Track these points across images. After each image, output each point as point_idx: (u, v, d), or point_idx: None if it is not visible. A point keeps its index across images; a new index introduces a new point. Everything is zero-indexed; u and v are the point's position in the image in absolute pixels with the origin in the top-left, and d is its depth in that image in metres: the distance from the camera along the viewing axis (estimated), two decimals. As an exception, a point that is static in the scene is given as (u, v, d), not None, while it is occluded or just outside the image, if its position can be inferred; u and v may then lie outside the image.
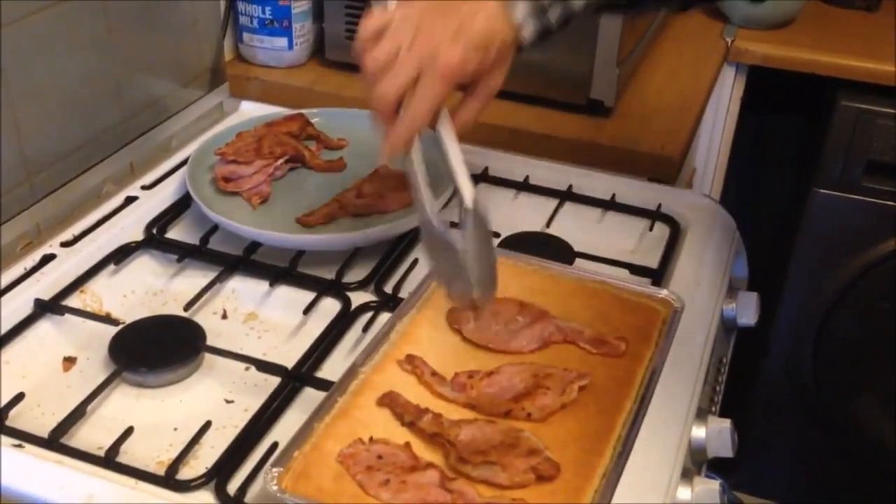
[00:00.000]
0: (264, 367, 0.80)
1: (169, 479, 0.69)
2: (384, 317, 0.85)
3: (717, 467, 0.88)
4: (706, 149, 1.56)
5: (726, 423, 0.78)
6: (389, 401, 0.72)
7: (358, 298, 0.89)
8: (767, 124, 1.68)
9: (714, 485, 0.73)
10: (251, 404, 0.78)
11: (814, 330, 1.60)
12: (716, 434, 0.78)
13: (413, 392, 0.74)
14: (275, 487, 0.64)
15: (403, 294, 0.88)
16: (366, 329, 0.85)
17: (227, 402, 0.79)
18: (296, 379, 0.79)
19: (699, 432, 0.78)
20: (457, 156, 0.76)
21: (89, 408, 0.76)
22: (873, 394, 1.62)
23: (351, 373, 0.75)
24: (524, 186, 1.07)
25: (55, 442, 0.72)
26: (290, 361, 0.81)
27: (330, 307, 0.88)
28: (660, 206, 1.03)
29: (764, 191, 1.75)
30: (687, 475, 0.74)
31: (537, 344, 0.77)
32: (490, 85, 0.75)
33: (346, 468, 0.66)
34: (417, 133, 0.73)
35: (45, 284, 0.88)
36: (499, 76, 0.75)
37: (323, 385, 0.77)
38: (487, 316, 0.79)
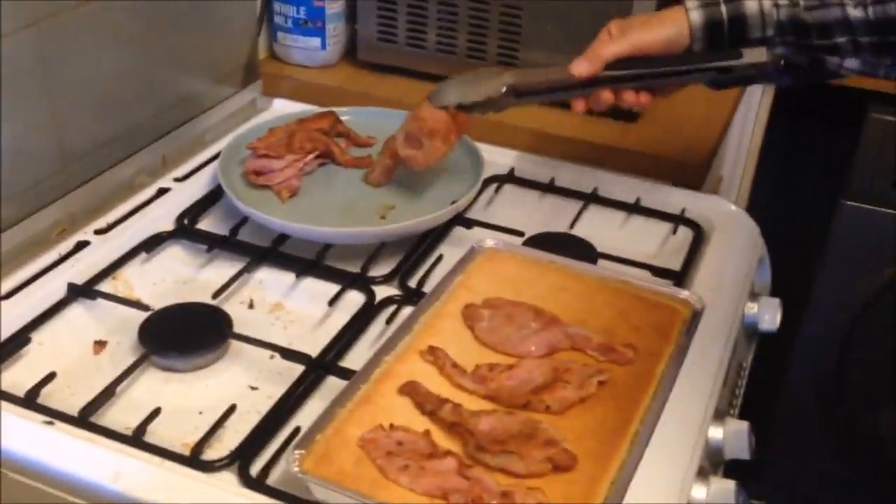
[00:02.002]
0: (289, 354, 0.82)
1: (194, 459, 0.71)
2: (407, 310, 0.87)
3: (739, 474, 0.89)
4: (734, 157, 1.56)
5: (744, 426, 0.79)
6: (411, 390, 0.73)
7: (382, 292, 0.90)
8: (797, 135, 1.68)
9: (730, 485, 0.74)
10: (275, 391, 0.79)
11: (839, 341, 1.59)
12: (733, 435, 0.79)
13: (434, 382, 0.75)
14: (296, 468, 0.65)
15: (427, 289, 0.90)
16: (389, 321, 0.86)
17: (252, 388, 0.81)
18: (319, 367, 0.80)
19: (716, 433, 0.78)
20: None
21: (118, 389, 0.78)
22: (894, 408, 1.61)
23: (374, 362, 0.76)
24: (550, 188, 1.08)
25: (84, 420, 0.74)
26: (314, 351, 0.82)
27: (355, 300, 0.90)
28: (684, 210, 1.04)
29: (791, 201, 1.75)
30: (703, 474, 0.74)
31: (545, 350, 0.78)
32: None
33: (367, 453, 0.67)
34: None
35: (79, 270, 0.90)
36: None
37: (346, 374, 0.78)
38: (501, 318, 0.80)
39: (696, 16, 0.87)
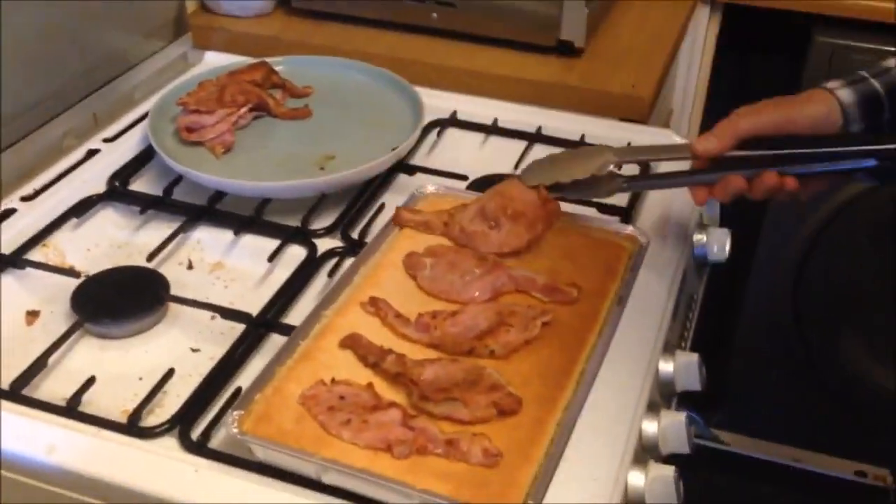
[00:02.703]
0: (229, 314, 0.80)
1: (132, 427, 0.69)
2: (350, 262, 0.85)
3: (700, 406, 0.88)
4: (682, 90, 1.55)
5: (693, 357, 0.78)
6: (352, 342, 0.72)
7: (324, 245, 0.88)
8: (746, 64, 1.66)
9: (680, 416, 0.73)
10: (217, 352, 0.77)
11: (793, 268, 1.60)
12: (683, 368, 0.78)
13: (377, 334, 0.73)
14: (235, 430, 0.64)
15: (370, 239, 0.88)
16: (331, 275, 0.84)
17: (193, 350, 0.79)
18: (261, 325, 0.78)
19: (667, 366, 0.78)
20: None
21: (53, 360, 0.76)
22: (854, 331, 1.63)
23: (314, 316, 0.74)
24: (493, 129, 1.06)
25: (16, 393, 0.71)
26: (256, 309, 0.80)
27: (296, 254, 0.87)
28: (629, 145, 1.02)
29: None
30: (653, 408, 0.74)
31: (489, 295, 0.77)
32: None
33: (308, 409, 0.66)
34: None
35: (6, 239, 0.87)
36: None
37: (288, 331, 0.76)
38: (444, 265, 0.79)
39: (846, 94, 0.74)
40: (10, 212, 0.90)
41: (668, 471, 0.67)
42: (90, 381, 0.73)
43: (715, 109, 1.60)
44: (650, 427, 0.72)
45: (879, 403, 1.58)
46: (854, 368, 1.64)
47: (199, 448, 0.67)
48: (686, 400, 0.83)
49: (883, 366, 1.61)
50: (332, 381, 0.68)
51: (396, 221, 0.84)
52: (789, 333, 1.67)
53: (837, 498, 1.69)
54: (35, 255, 0.87)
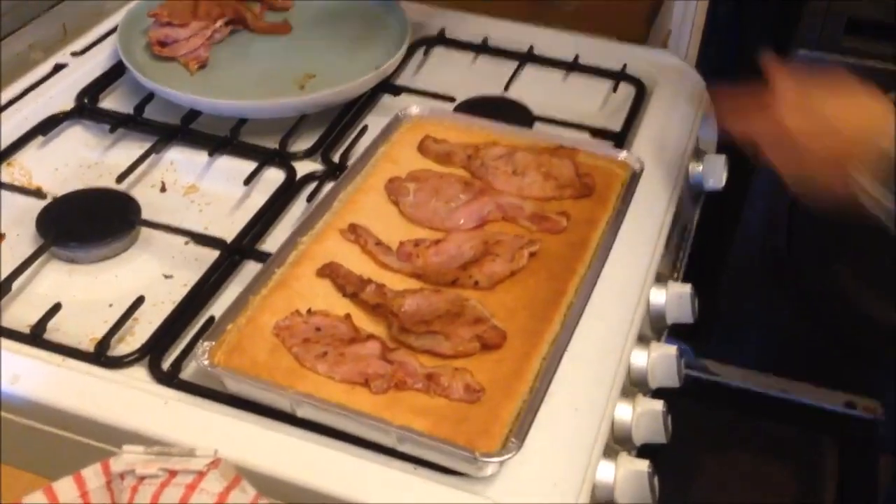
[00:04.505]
0: (203, 240, 0.76)
1: (100, 356, 0.66)
2: (330, 187, 0.81)
3: (689, 336, 0.86)
4: (682, 10, 1.48)
5: (686, 288, 0.76)
6: (330, 271, 0.68)
7: (303, 168, 0.84)
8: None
9: (671, 349, 0.71)
10: (191, 279, 0.74)
11: (788, 198, 1.56)
12: (675, 299, 0.76)
13: (356, 262, 0.70)
14: (206, 362, 0.61)
15: (351, 163, 0.84)
16: (310, 199, 0.81)
17: (166, 277, 0.76)
18: (236, 252, 0.75)
19: (658, 297, 0.75)
20: None
21: (17, 285, 0.72)
22: (848, 260, 1.60)
23: (290, 243, 0.71)
24: (482, 48, 1.01)
25: (-22, 320, 0.68)
26: (231, 235, 0.77)
27: (274, 178, 0.84)
28: (625, 66, 0.98)
29: (744, 53, 1.68)
30: (643, 340, 0.71)
31: (475, 222, 0.73)
32: None
33: (282, 341, 0.63)
34: None
35: (-32, 158, 0.83)
36: None
37: (264, 258, 0.73)
38: (428, 191, 0.75)
39: None
40: (-27, 129, 0.86)
41: (657, 405, 0.65)
42: (56, 307, 0.69)
43: (715, 30, 1.54)
44: (640, 360, 0.70)
45: (871, 334, 1.57)
46: (847, 298, 1.63)
47: (170, 379, 0.64)
48: (676, 330, 0.80)
49: (876, 296, 1.59)
50: (309, 311, 0.65)
51: (420, 149, 0.80)
52: (782, 263, 1.65)
53: (827, 428, 1.69)
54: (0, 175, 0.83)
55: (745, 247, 1.66)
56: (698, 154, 0.91)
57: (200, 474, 0.47)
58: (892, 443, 1.61)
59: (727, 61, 1.63)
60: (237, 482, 0.47)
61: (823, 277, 1.63)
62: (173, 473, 0.47)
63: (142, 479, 0.48)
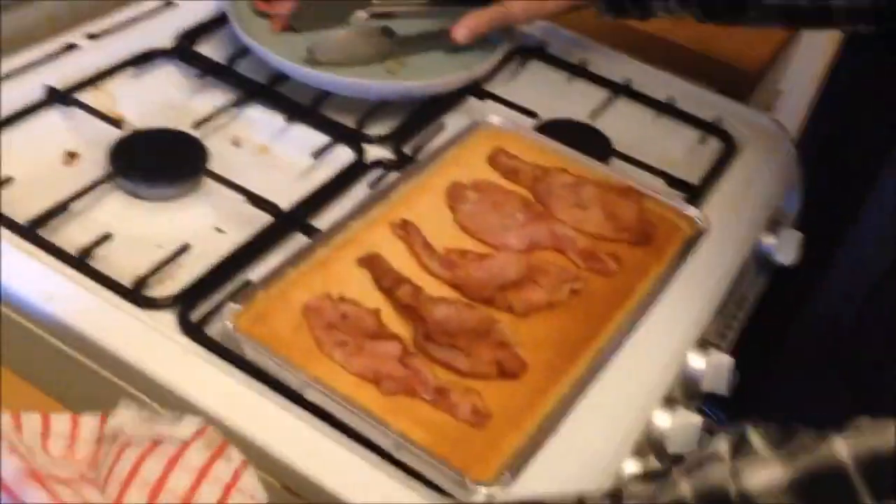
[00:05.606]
0: (259, 202, 0.77)
1: (135, 293, 0.67)
2: (394, 178, 0.81)
3: (726, 407, 0.83)
4: (798, 74, 1.44)
5: (724, 359, 0.73)
6: (371, 262, 0.68)
7: (373, 153, 0.84)
8: (874, 60, 1.54)
9: (695, 418, 0.69)
10: (240, 238, 0.74)
11: (864, 290, 1.50)
12: (712, 368, 0.74)
13: (399, 259, 0.70)
14: (230, 325, 0.62)
15: (421, 158, 0.83)
16: (373, 186, 0.81)
17: (218, 230, 0.77)
18: (287, 221, 0.76)
19: (696, 363, 0.73)
20: None
21: (78, 208, 0.74)
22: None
23: (340, 225, 0.71)
24: (580, 71, 0.99)
25: (32, 232, 0.70)
26: (289, 203, 0.77)
27: (343, 156, 0.84)
28: (720, 119, 0.95)
29: (852, 134, 1.62)
30: (671, 403, 0.69)
31: (524, 245, 0.72)
32: None
33: (307, 320, 0.63)
34: None
35: (62, 74, 0.85)
36: None
37: (314, 233, 0.73)
38: (487, 203, 0.74)
39: None
40: (72, 47, 0.88)
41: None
42: (106, 237, 0.71)
43: (829, 103, 1.49)
44: (661, 422, 0.68)
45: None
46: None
47: (195, 332, 0.65)
48: (719, 400, 0.78)
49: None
50: (340, 297, 0.65)
51: (490, 160, 0.80)
52: (846, 352, 1.58)
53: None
54: (86, 96, 0.85)
55: (809, 328, 1.60)
56: (774, 226, 0.88)
57: (184, 444, 0.47)
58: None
59: (833, 140, 1.58)
60: (222, 451, 0.47)
61: (887, 375, 1.56)
62: (156, 443, 0.47)
63: (126, 445, 0.47)
